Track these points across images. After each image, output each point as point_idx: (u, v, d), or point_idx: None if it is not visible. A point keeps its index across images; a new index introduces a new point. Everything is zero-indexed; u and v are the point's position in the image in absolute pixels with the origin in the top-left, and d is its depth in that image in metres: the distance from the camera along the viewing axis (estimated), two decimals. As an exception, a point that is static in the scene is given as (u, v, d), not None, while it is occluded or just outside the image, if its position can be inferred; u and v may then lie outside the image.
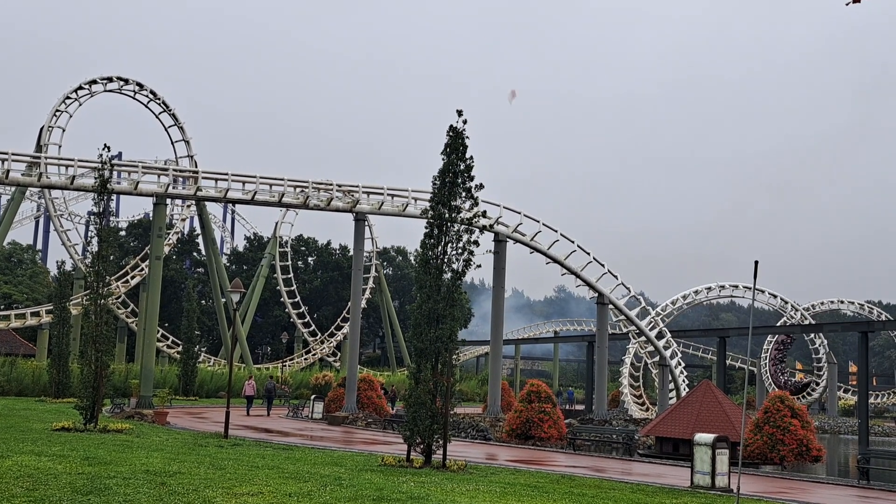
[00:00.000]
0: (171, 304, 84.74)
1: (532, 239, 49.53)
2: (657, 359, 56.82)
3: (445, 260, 20.90)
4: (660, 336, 56.58)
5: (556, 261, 50.65)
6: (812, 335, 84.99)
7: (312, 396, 45.51)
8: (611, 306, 53.63)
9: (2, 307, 74.32)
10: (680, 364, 59.23)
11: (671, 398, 55.89)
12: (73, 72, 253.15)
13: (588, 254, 51.77)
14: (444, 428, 20.23)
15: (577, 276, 51.58)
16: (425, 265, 20.93)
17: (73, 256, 68.28)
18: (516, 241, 48.82)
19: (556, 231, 50.37)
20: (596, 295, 52.97)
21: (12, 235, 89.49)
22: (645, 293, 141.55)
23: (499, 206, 47.31)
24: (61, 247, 70.75)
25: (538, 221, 49.59)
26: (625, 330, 59.24)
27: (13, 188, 60.35)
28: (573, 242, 51.03)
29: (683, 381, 58.50)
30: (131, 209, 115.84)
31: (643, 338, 56.04)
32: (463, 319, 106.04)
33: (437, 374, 20.27)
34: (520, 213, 48.91)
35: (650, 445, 36.38)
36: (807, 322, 78.93)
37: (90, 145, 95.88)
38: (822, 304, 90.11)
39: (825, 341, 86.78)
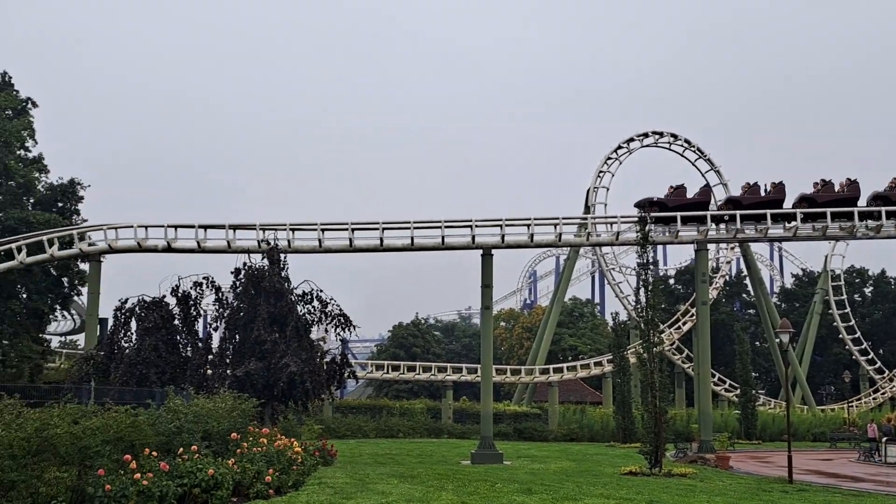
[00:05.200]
0: (725, 347, 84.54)
1: None
2: None
3: None
4: None
5: None
6: None
7: (884, 439, 41.72)
8: None
9: (569, 358, 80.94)
10: None
11: None
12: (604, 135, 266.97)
13: None
14: None
15: None
16: None
17: (626, 307, 72.06)
18: None
19: None
20: None
21: (572, 291, 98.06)
22: None
23: None
24: (615, 299, 75.15)
25: None
26: None
27: (568, 249, 66.21)
28: None
29: None
30: (679, 256, 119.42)
31: None
32: None
33: None
34: None
35: None
36: None
37: (627, 199, 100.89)
38: None
39: None
